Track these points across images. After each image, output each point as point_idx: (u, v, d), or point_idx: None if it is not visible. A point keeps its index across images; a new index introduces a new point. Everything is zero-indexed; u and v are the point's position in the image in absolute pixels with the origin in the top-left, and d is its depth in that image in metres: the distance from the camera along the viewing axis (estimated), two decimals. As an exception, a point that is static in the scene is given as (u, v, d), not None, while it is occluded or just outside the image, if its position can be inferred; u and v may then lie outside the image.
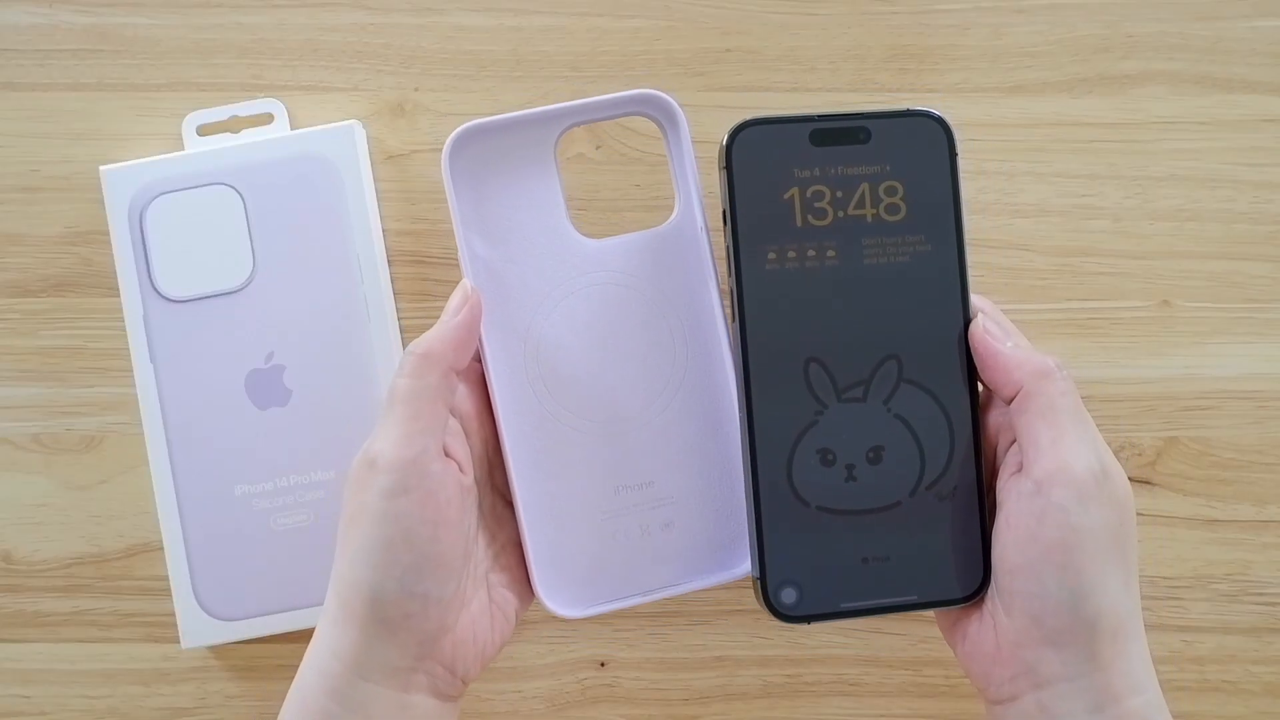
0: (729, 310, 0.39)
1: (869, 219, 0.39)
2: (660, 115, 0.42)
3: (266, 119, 0.51)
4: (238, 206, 0.50)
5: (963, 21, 0.51)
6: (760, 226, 0.39)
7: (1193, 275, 0.51)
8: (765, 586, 0.39)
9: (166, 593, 0.50)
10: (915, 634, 0.50)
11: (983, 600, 0.39)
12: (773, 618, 0.39)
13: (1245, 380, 0.51)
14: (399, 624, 0.37)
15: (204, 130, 0.51)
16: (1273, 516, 0.51)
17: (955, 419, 0.39)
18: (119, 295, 0.50)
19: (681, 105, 0.41)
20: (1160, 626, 0.50)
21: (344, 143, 0.50)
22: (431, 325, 0.51)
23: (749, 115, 0.39)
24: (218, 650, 0.51)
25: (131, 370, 0.50)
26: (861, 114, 0.40)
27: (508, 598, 0.41)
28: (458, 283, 0.51)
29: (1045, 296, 0.51)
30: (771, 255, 0.39)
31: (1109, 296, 0.51)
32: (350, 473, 0.38)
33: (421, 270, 0.51)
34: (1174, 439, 0.51)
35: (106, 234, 0.50)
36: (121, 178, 0.50)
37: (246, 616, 0.49)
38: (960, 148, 0.40)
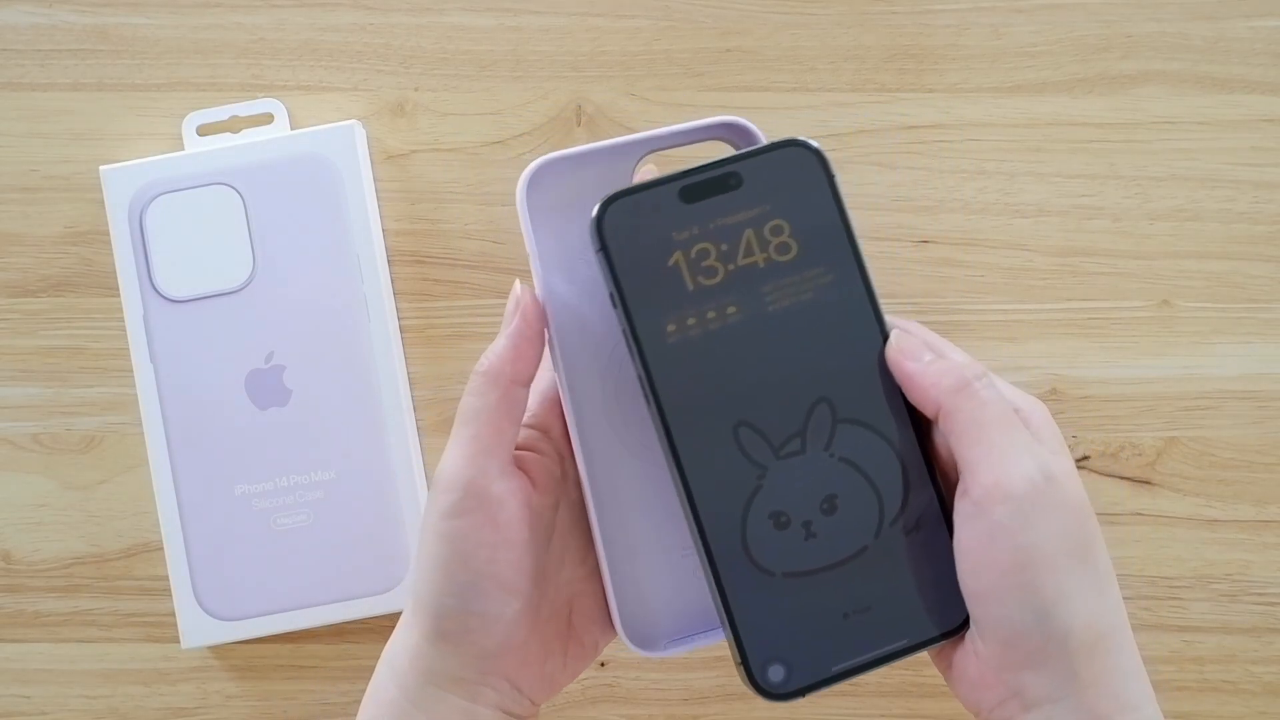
0: (645, 390, 0.37)
1: (761, 264, 0.37)
2: (741, 141, 0.39)
3: (266, 119, 0.51)
4: (238, 206, 0.50)
5: (963, 21, 0.51)
6: (652, 300, 0.36)
7: (1193, 275, 0.51)
8: (749, 669, 0.37)
9: (166, 593, 0.50)
10: (915, 634, 0.50)
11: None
12: (764, 699, 0.37)
13: (1245, 380, 0.51)
14: (459, 638, 0.37)
15: (204, 130, 0.51)
16: (1273, 516, 0.51)
17: (902, 448, 0.38)
18: (119, 295, 0.50)
19: (761, 130, 0.39)
20: (1160, 626, 0.50)
21: (344, 143, 0.50)
22: (431, 325, 0.51)
23: (611, 190, 0.37)
24: (218, 650, 0.51)
25: (131, 370, 0.50)
26: (727, 159, 0.37)
27: (591, 629, 0.40)
28: (457, 283, 0.51)
29: (1045, 296, 0.51)
30: (671, 328, 0.36)
31: (1109, 296, 0.51)
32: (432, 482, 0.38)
33: (421, 270, 0.51)
34: (1174, 439, 0.51)
35: (106, 234, 0.50)
36: (121, 178, 0.50)
37: (246, 616, 0.49)
38: (834, 167, 0.38)
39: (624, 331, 0.37)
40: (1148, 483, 0.51)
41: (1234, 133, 0.51)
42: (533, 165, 0.38)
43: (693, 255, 0.37)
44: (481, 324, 0.51)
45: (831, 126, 0.51)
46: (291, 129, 0.51)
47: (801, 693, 0.37)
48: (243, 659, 0.51)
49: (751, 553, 0.37)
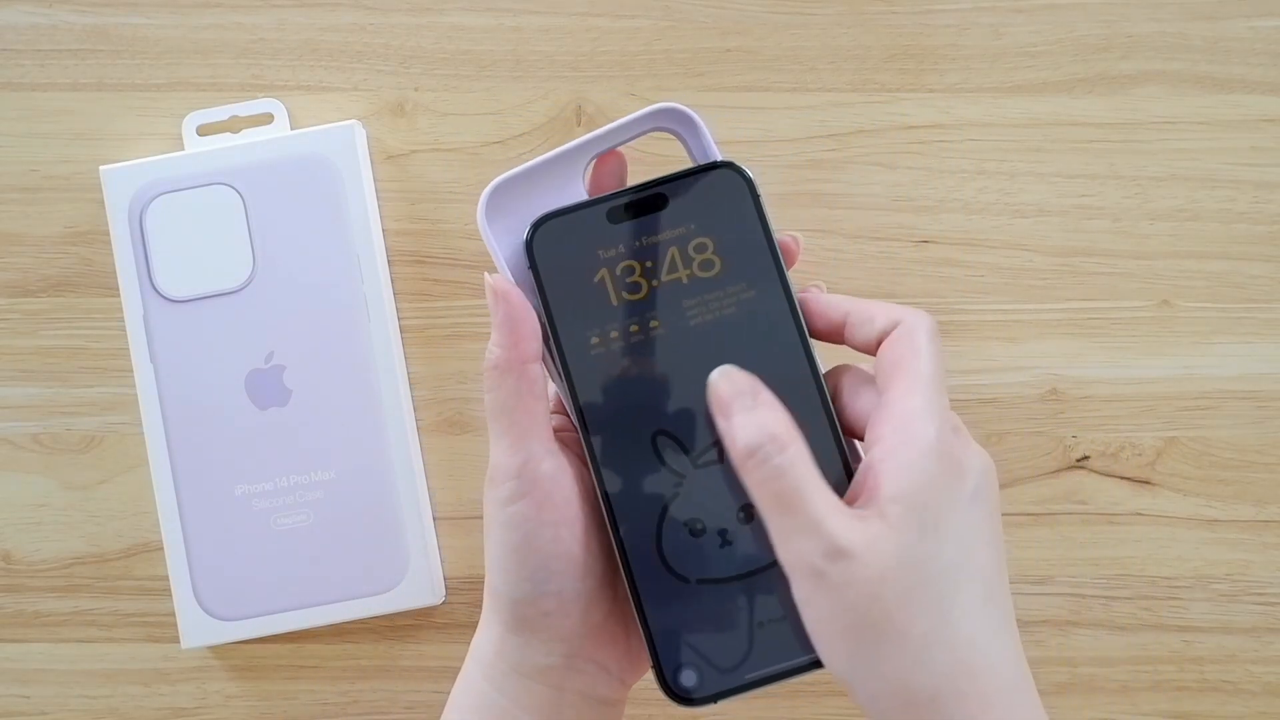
0: (567, 400, 0.38)
1: (685, 280, 0.38)
2: (678, 127, 0.40)
3: (266, 119, 0.51)
4: (238, 206, 0.50)
5: (963, 21, 0.51)
6: (577, 315, 0.38)
7: (1193, 275, 0.51)
8: (662, 674, 0.37)
9: (166, 593, 0.50)
10: (915, 634, 0.50)
11: None
12: (677, 705, 0.37)
13: (1245, 380, 0.51)
14: (539, 623, 0.37)
15: (204, 130, 0.51)
16: (1273, 516, 0.51)
17: (823, 456, 0.37)
18: (119, 295, 0.50)
19: (697, 110, 0.39)
20: (1160, 626, 0.50)
21: (344, 143, 0.50)
22: (431, 325, 0.51)
23: (542, 212, 0.38)
24: (218, 650, 0.51)
25: (131, 370, 0.50)
26: (656, 181, 0.38)
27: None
28: (457, 283, 0.51)
29: (1045, 296, 0.51)
30: (595, 340, 0.38)
31: (1109, 296, 0.51)
32: (486, 480, 0.38)
33: (421, 270, 0.51)
34: (1174, 439, 0.51)
35: (106, 234, 0.50)
36: (121, 178, 0.50)
37: (246, 616, 0.49)
38: (760, 188, 0.38)
39: (550, 345, 0.38)
40: (1148, 483, 0.51)
41: (1234, 133, 0.51)
42: (486, 191, 0.38)
43: (618, 272, 0.38)
44: (482, 324, 0.51)
45: (831, 126, 0.51)
46: (291, 129, 0.51)
47: (714, 699, 0.37)
48: (243, 659, 0.51)
49: (667, 559, 0.37)
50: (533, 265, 0.38)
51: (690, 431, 0.38)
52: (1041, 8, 0.51)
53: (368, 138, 0.51)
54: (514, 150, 0.51)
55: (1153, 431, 0.51)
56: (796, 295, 0.38)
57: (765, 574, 0.37)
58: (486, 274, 0.38)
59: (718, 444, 0.37)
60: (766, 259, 0.38)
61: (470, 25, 0.51)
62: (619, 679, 0.39)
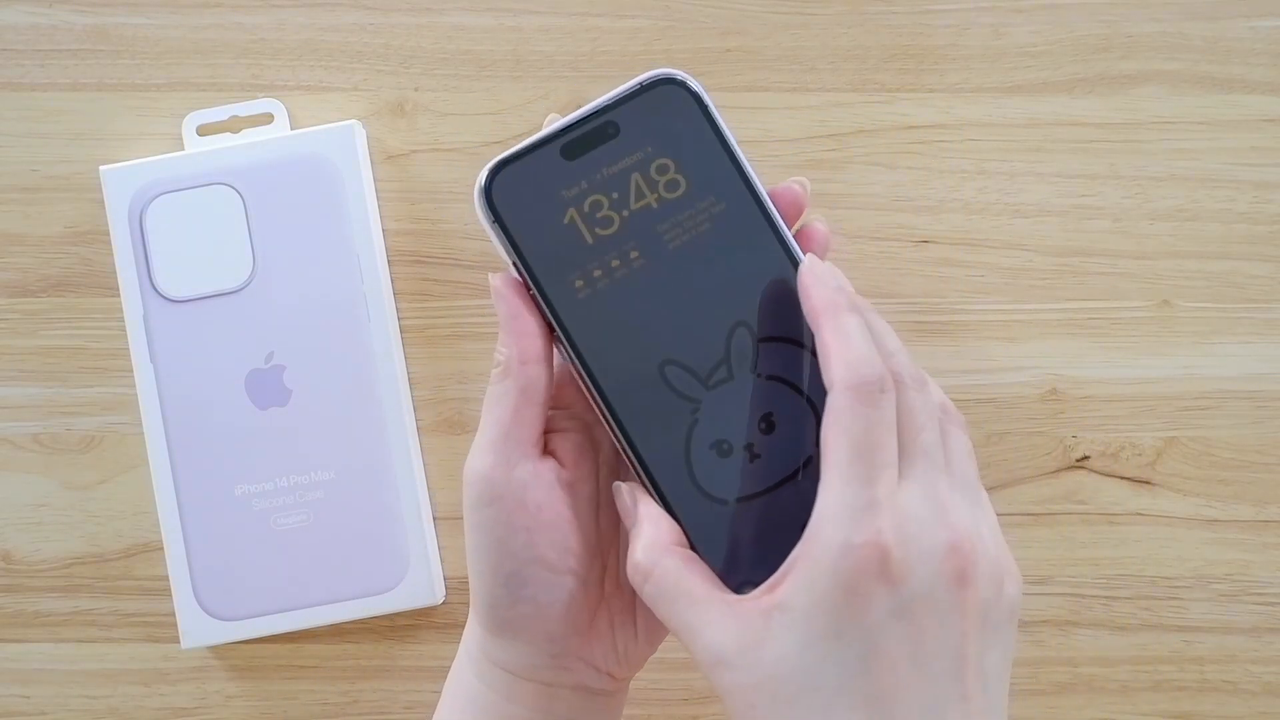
0: (566, 352, 0.37)
1: (655, 205, 0.37)
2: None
3: (266, 119, 0.51)
4: (238, 206, 0.50)
5: (962, 21, 0.51)
6: (554, 261, 0.37)
7: (1193, 275, 0.51)
8: None
9: (166, 593, 0.50)
10: (915, 634, 0.50)
11: None
12: None
13: (1245, 380, 0.51)
14: (520, 627, 0.36)
15: (204, 130, 0.51)
16: (1273, 516, 0.51)
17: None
18: (119, 295, 0.50)
19: (695, 76, 0.39)
20: (1160, 626, 0.50)
21: (344, 143, 0.50)
22: (431, 325, 0.51)
23: (492, 160, 0.37)
24: (218, 650, 0.51)
25: (131, 370, 0.50)
26: (601, 109, 0.37)
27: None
28: (457, 283, 0.51)
29: (1045, 296, 0.51)
30: (579, 284, 0.37)
31: (1109, 296, 0.51)
32: None
33: (421, 270, 0.51)
34: (1174, 439, 0.51)
35: (106, 234, 0.50)
36: (121, 178, 0.50)
37: (246, 616, 0.49)
38: (708, 97, 0.37)
39: (533, 297, 0.37)
40: (1148, 483, 0.51)
41: (1234, 133, 0.51)
42: (484, 172, 0.37)
43: (586, 209, 0.37)
44: (481, 324, 0.51)
45: (831, 126, 0.51)
46: (291, 129, 0.51)
47: None
48: (243, 659, 0.51)
49: (702, 485, 0.37)
50: (496, 218, 0.37)
51: (696, 355, 0.37)
52: (1041, 8, 0.51)
53: (368, 138, 0.51)
54: (514, 150, 0.51)
55: (1153, 431, 0.51)
56: (767, 199, 0.37)
57: (801, 475, 0.37)
58: (490, 275, 0.37)
59: (725, 362, 0.37)
60: (728, 167, 0.38)
61: (470, 25, 0.51)
62: (609, 674, 0.38)
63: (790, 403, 0.38)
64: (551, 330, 0.37)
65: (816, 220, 0.38)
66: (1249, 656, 0.50)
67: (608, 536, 0.38)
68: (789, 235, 0.38)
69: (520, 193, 0.37)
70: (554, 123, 0.37)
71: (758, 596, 0.33)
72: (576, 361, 0.37)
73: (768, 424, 0.37)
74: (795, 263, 0.37)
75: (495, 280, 0.37)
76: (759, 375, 0.38)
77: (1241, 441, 0.51)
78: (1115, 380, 0.51)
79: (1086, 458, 0.51)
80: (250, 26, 0.51)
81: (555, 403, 0.39)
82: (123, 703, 0.51)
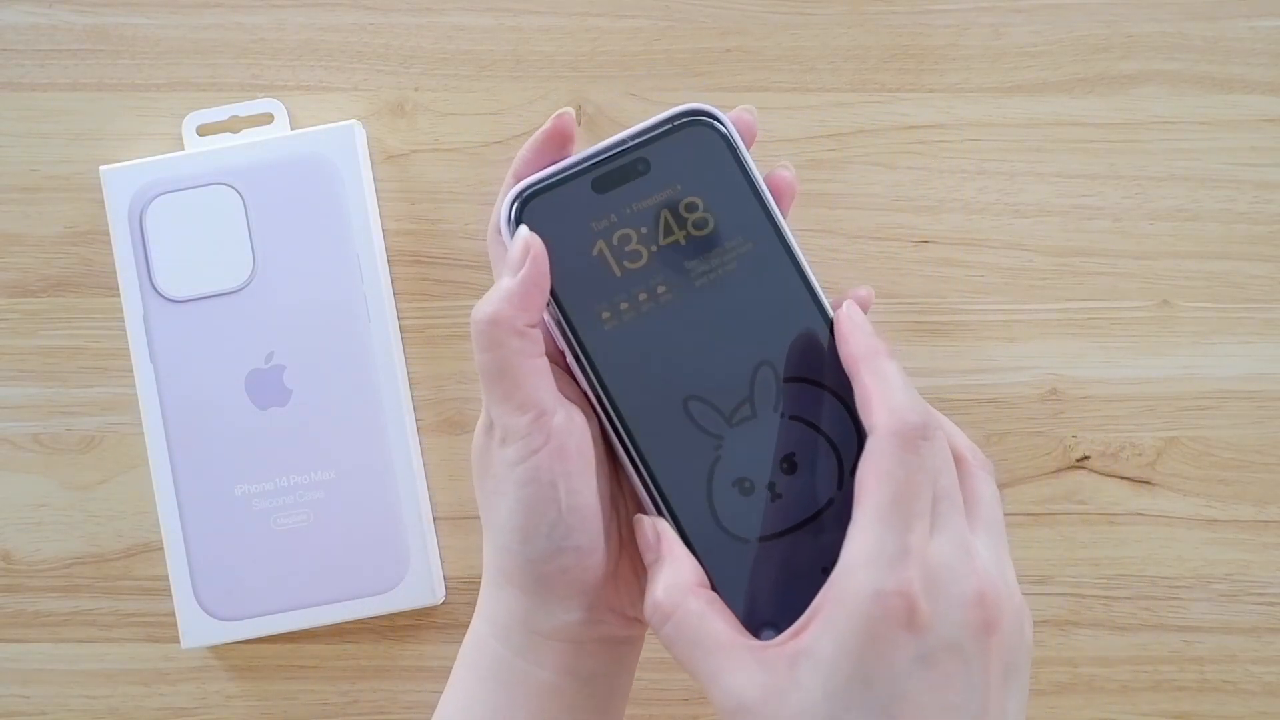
0: (589, 383, 0.37)
1: (683, 242, 0.38)
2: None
3: (266, 119, 0.51)
4: (238, 206, 0.50)
5: (962, 21, 0.51)
6: (582, 292, 0.37)
7: (1193, 275, 0.51)
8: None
9: (166, 593, 0.50)
10: (915, 634, 0.50)
11: None
12: None
13: (1245, 380, 0.51)
14: (558, 580, 0.36)
15: (204, 130, 0.51)
16: (1273, 516, 0.51)
17: (848, 397, 0.37)
18: (119, 295, 0.50)
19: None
20: (1160, 626, 0.50)
21: (344, 143, 0.50)
22: (431, 325, 0.51)
23: (520, 185, 0.37)
24: (218, 650, 0.51)
25: (131, 370, 0.50)
26: (631, 145, 0.38)
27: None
28: (457, 283, 0.51)
29: (1045, 296, 0.51)
30: (605, 315, 0.37)
31: (1109, 296, 0.51)
32: (474, 447, 0.37)
33: (421, 270, 0.51)
34: (1174, 439, 0.51)
35: (106, 234, 0.50)
36: (121, 178, 0.50)
37: (246, 616, 0.49)
38: (736, 134, 0.38)
39: (559, 326, 0.37)
40: (1148, 483, 0.51)
41: (1234, 133, 0.51)
42: (513, 193, 0.37)
43: (614, 242, 0.37)
44: (481, 324, 0.51)
45: (831, 126, 0.51)
46: (291, 129, 0.51)
47: None
48: (243, 659, 0.51)
49: (723, 523, 0.37)
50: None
51: (719, 392, 0.37)
52: (1041, 8, 0.51)
53: (368, 138, 0.51)
54: (514, 150, 0.51)
55: (1153, 431, 0.51)
56: (793, 240, 0.38)
57: (820, 518, 0.37)
58: (524, 228, 0.36)
59: (748, 400, 0.37)
60: (756, 208, 0.38)
61: (470, 25, 0.51)
62: (637, 618, 0.38)
63: (812, 442, 0.38)
64: (576, 360, 0.37)
65: (782, 167, 0.38)
66: (1249, 656, 0.50)
67: (621, 482, 0.39)
68: (814, 278, 0.38)
69: (550, 222, 0.37)
70: (583, 151, 0.38)
71: (782, 642, 0.33)
72: (601, 392, 0.37)
73: (790, 464, 0.38)
74: (819, 304, 0.38)
75: (534, 241, 0.36)
76: (782, 415, 0.38)
77: (1241, 441, 0.51)
78: (1115, 380, 0.51)
79: (1086, 458, 0.51)
80: (250, 26, 0.51)
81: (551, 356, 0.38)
82: (123, 703, 0.51)
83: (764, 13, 0.51)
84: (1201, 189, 0.51)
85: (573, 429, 0.36)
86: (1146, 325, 0.51)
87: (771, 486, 0.37)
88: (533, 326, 0.36)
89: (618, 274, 0.37)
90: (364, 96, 0.51)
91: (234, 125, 0.51)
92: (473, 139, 0.51)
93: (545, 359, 0.37)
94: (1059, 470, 0.51)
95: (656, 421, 0.37)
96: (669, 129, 0.38)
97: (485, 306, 0.35)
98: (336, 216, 0.50)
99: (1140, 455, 0.51)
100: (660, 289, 0.37)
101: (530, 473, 0.36)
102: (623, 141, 0.38)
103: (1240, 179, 0.51)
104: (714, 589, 0.36)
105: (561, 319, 0.37)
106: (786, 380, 0.38)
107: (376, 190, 0.51)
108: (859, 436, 0.37)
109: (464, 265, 0.51)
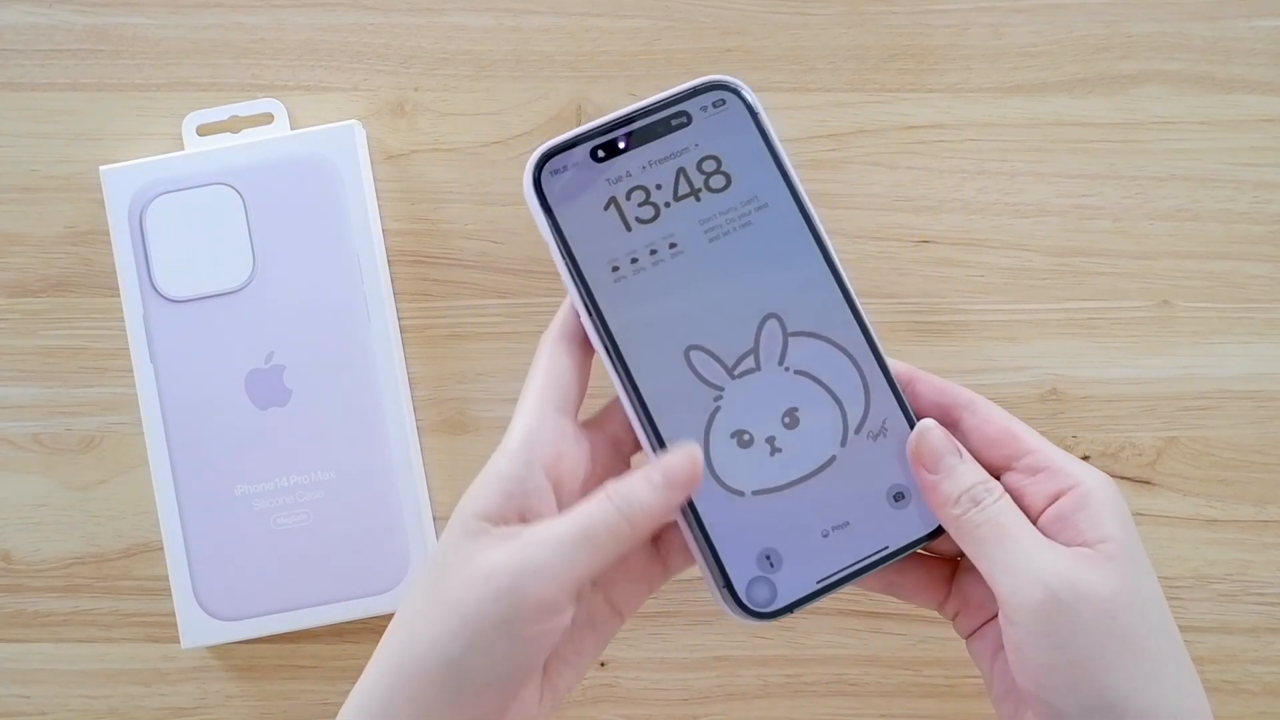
0: (597, 333, 0.38)
1: (698, 199, 0.38)
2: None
3: (266, 119, 0.51)
4: (238, 206, 0.50)
5: (962, 21, 0.51)
6: (594, 245, 0.38)
7: (1193, 275, 0.51)
8: (734, 591, 0.37)
9: (166, 593, 0.50)
10: (915, 634, 0.50)
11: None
12: (752, 619, 0.37)
13: (1245, 380, 0.51)
14: (469, 705, 0.34)
15: (204, 130, 0.51)
16: (1273, 516, 0.51)
17: (856, 354, 0.38)
18: (119, 295, 0.50)
19: (749, 86, 0.39)
20: (1160, 626, 0.50)
21: (344, 143, 0.50)
22: (431, 325, 0.51)
23: (543, 144, 0.38)
24: (218, 650, 0.51)
25: (131, 370, 0.50)
26: (652, 105, 0.38)
27: (565, 674, 0.38)
28: (457, 283, 0.51)
29: (1045, 296, 0.51)
30: (615, 268, 0.38)
31: (1109, 296, 0.51)
32: (444, 542, 0.35)
33: (421, 270, 0.51)
34: (1174, 439, 0.51)
35: (106, 234, 0.50)
36: (121, 178, 0.50)
37: (246, 616, 0.49)
38: (759, 104, 0.39)
39: (570, 277, 0.38)
40: (1148, 483, 0.51)
41: (1234, 133, 0.51)
42: (534, 158, 0.38)
43: (629, 197, 0.38)
44: (481, 324, 0.51)
45: (831, 126, 0.51)
46: (291, 129, 0.51)
47: (788, 609, 0.37)
48: (243, 659, 0.51)
49: (719, 475, 0.37)
50: (541, 201, 0.38)
51: (723, 343, 0.38)
52: (1041, 8, 0.51)
53: (368, 138, 0.51)
54: (514, 150, 0.51)
55: (1153, 431, 0.51)
56: (808, 201, 0.38)
57: (820, 475, 0.37)
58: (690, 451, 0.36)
59: (753, 352, 0.38)
60: (773, 169, 0.39)
61: (470, 25, 0.51)
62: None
63: (817, 400, 0.38)
64: (585, 310, 0.38)
65: None
66: (1249, 656, 0.50)
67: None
68: (826, 236, 0.38)
69: (566, 179, 0.38)
70: (606, 116, 0.39)
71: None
72: (606, 341, 0.37)
73: (792, 419, 0.38)
74: (831, 263, 0.38)
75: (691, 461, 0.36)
76: (787, 369, 0.38)
77: (1241, 441, 0.51)
78: (1115, 380, 0.51)
79: (1087, 458, 0.51)
80: (250, 26, 0.51)
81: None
82: (123, 703, 0.51)
83: (764, 13, 0.51)
84: (1201, 189, 0.51)
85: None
86: (1146, 325, 0.51)
87: (771, 440, 0.37)
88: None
89: (629, 229, 0.38)
90: (364, 96, 0.51)
91: (234, 125, 0.51)
92: (473, 139, 0.51)
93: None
94: (1059, 470, 0.51)
95: (658, 371, 0.37)
96: (691, 92, 0.39)
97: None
98: (336, 216, 0.50)
99: (1140, 455, 0.51)
100: (671, 244, 0.38)
101: (534, 637, 0.34)
102: (647, 106, 0.39)
103: (1240, 179, 0.51)
104: (709, 541, 0.37)
105: (572, 271, 0.38)
106: (793, 334, 0.38)
107: (376, 190, 0.51)
108: (866, 394, 0.38)
109: (464, 265, 0.51)
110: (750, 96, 0.39)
